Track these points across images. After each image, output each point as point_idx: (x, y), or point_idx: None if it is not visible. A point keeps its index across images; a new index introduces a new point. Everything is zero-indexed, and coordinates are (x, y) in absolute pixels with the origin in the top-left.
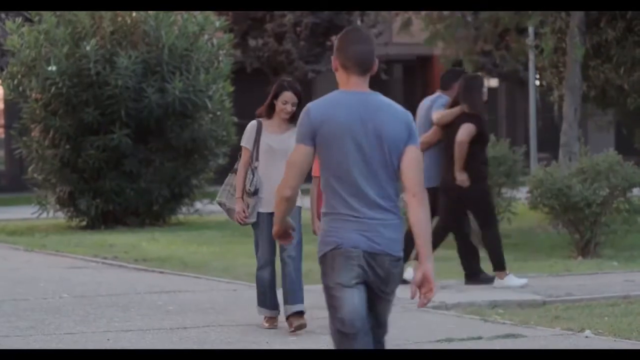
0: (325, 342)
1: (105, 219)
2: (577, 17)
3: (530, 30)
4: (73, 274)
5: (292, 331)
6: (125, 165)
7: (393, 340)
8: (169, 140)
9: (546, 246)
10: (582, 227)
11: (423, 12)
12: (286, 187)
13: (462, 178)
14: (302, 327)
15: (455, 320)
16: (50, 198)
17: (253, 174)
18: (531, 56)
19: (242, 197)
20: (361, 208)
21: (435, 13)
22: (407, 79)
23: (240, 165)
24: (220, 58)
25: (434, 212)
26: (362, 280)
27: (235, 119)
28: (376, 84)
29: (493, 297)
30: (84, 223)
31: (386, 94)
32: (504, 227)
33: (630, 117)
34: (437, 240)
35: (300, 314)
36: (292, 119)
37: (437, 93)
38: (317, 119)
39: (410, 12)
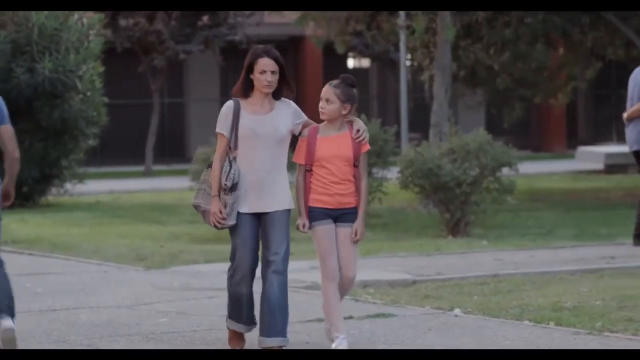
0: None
1: None
2: None
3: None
4: None
5: None
6: None
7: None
8: (39, 121)
9: (417, 225)
10: (452, 207)
11: None
12: None
13: None
14: None
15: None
16: None
17: (230, 166)
18: (402, 37)
19: (219, 195)
20: None
21: None
22: None
23: (216, 156)
24: (91, 38)
25: None
26: None
27: (106, 99)
28: None
29: (364, 277)
30: None
31: None
32: (374, 207)
33: (500, 96)
34: None
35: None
36: (277, 94)
37: None
38: None
39: None
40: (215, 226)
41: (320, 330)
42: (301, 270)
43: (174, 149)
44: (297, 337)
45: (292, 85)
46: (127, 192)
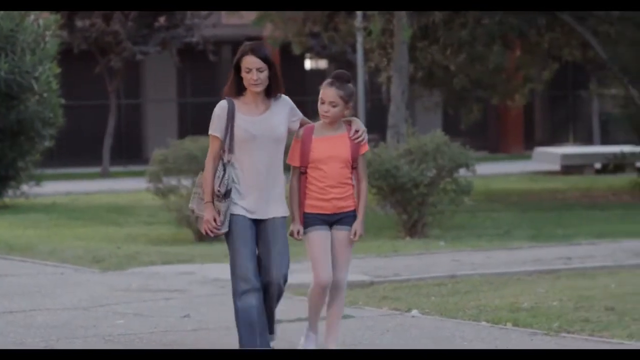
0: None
1: None
2: None
3: (359, 12)
4: None
5: None
6: None
7: (211, 324)
8: None
9: (374, 227)
10: (410, 208)
11: None
12: None
13: None
14: None
15: (284, 302)
16: None
17: (224, 170)
18: (359, 38)
19: (212, 201)
20: None
21: None
22: None
23: (208, 159)
24: (47, 39)
25: None
26: None
27: (63, 101)
28: (205, 66)
29: None
30: None
31: (215, 75)
32: None
33: (457, 98)
34: None
35: None
36: (270, 92)
37: None
38: None
39: None
40: (208, 234)
41: (294, 331)
42: None
43: (131, 150)
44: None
45: (280, 84)
46: (84, 193)
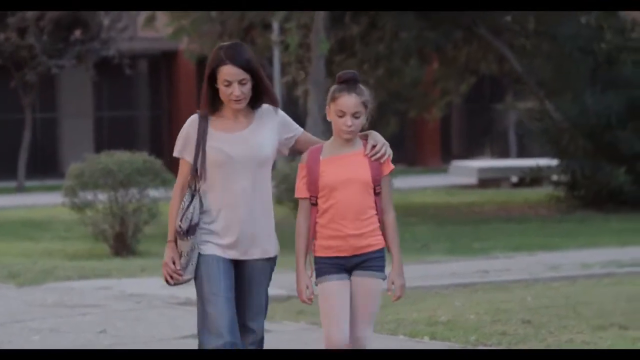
0: None
1: None
2: (321, 12)
3: (276, 25)
4: None
5: None
6: None
7: (128, 339)
8: None
9: (290, 241)
10: None
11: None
12: None
13: None
14: None
15: None
16: None
17: (190, 201)
18: (276, 52)
19: (175, 240)
20: None
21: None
22: (152, 74)
23: (175, 188)
24: None
25: None
26: None
27: None
28: (121, 80)
29: None
30: None
31: (131, 89)
32: None
33: (375, 111)
34: None
35: None
36: (254, 102)
37: None
38: None
39: None
40: (167, 281)
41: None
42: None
43: (46, 165)
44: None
45: (268, 92)
46: None
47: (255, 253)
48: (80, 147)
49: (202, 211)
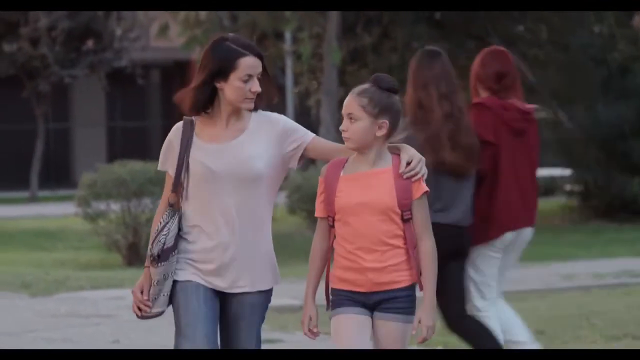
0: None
1: None
2: (334, 22)
3: (288, 35)
4: None
5: None
6: None
7: (152, 348)
8: None
9: (304, 251)
10: None
11: (181, 16)
12: None
13: None
14: None
15: None
16: None
17: (166, 222)
18: (289, 61)
19: (150, 265)
20: None
21: (192, 18)
22: (165, 84)
23: (160, 204)
24: None
25: None
26: None
27: None
28: (134, 89)
29: None
30: None
31: (144, 98)
32: None
33: None
34: None
35: None
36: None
37: None
38: None
39: (168, 16)
40: (135, 313)
41: None
42: None
43: (59, 175)
44: None
45: (272, 90)
46: (11, 218)
47: (244, 285)
48: (92, 157)
49: (183, 232)
